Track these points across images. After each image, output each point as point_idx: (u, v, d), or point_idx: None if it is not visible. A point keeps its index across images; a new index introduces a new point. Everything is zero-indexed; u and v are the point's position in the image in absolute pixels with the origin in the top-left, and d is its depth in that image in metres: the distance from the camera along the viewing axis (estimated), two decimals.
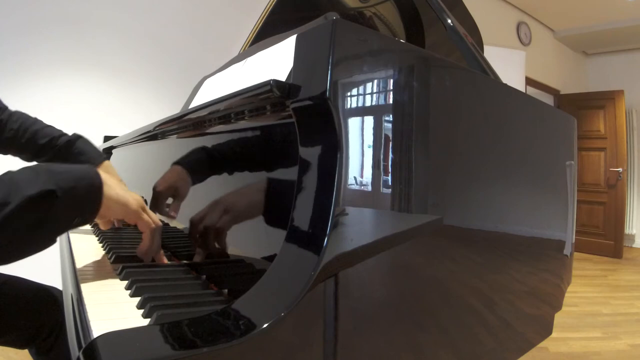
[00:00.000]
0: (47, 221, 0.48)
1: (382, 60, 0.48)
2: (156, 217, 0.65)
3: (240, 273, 0.53)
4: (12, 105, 0.97)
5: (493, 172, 0.66)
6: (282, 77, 0.64)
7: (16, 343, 0.86)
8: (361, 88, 0.45)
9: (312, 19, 0.83)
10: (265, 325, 0.35)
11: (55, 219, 0.49)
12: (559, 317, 0.87)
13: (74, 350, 0.39)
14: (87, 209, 0.54)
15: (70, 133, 0.98)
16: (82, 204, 0.53)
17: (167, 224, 0.83)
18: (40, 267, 1.66)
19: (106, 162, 0.94)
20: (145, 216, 0.62)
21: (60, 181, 0.49)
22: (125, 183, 0.90)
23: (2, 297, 0.83)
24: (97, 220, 0.61)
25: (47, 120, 1.00)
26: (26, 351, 0.90)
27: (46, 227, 0.49)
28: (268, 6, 1.43)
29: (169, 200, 0.80)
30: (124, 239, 0.86)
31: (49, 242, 0.51)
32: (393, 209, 0.47)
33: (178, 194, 0.78)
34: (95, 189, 0.54)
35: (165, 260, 0.67)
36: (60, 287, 0.70)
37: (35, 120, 0.96)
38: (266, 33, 1.32)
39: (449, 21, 1.01)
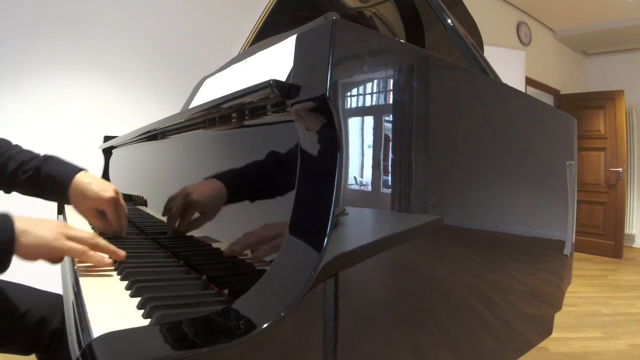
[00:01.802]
0: None
1: (382, 60, 0.48)
2: (85, 237, 0.63)
3: (241, 273, 0.53)
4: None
5: (493, 172, 0.66)
6: (282, 77, 0.64)
7: (17, 351, 0.85)
8: (361, 88, 0.45)
9: (312, 19, 0.83)
10: (265, 325, 0.35)
11: None
12: (559, 317, 0.87)
13: (74, 351, 0.39)
14: None
15: (43, 153, 0.91)
16: None
17: (167, 224, 0.83)
18: (40, 267, 1.66)
19: (78, 176, 0.85)
20: (69, 246, 0.60)
21: None
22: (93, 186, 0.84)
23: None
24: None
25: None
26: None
27: None
28: (268, 6, 1.43)
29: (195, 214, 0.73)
30: (124, 238, 0.86)
31: None
32: (393, 209, 0.47)
33: (205, 211, 0.70)
34: (5, 242, 0.55)
35: (123, 253, 0.65)
36: (59, 290, 0.70)
37: (10, 145, 0.90)
38: (266, 33, 1.32)
39: (449, 21, 1.01)
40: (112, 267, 0.63)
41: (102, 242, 0.64)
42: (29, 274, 1.32)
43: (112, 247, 0.64)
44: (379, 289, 0.46)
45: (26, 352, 0.86)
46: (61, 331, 0.86)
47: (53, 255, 0.60)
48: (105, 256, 0.63)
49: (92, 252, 0.62)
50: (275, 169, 0.53)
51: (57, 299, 0.90)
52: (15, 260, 0.58)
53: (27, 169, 0.87)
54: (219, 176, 0.67)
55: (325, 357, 0.40)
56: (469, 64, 0.97)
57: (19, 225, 0.57)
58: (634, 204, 5.03)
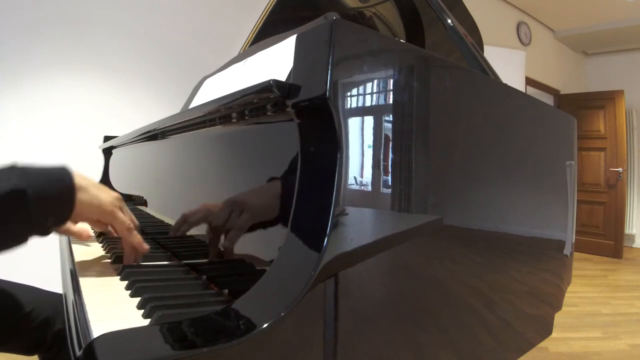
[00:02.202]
0: (16, 220, 0.48)
1: (382, 60, 0.48)
2: (132, 216, 0.63)
3: (241, 273, 0.53)
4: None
5: (493, 172, 0.66)
6: (282, 77, 0.64)
7: (20, 350, 0.85)
8: (361, 88, 0.45)
9: (312, 19, 0.83)
10: (265, 325, 0.35)
11: (26, 218, 0.49)
12: (559, 317, 0.87)
13: (74, 351, 0.39)
14: (60, 210, 0.54)
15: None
16: (54, 205, 0.53)
17: (167, 224, 0.83)
18: (40, 268, 1.67)
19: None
20: (120, 216, 0.61)
21: (33, 181, 0.49)
22: None
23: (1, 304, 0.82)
24: (74, 222, 0.59)
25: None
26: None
27: (15, 226, 0.49)
28: (268, 6, 1.43)
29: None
30: None
31: (19, 241, 0.51)
32: (393, 209, 0.47)
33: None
34: (67, 190, 0.54)
35: (147, 247, 0.65)
36: (60, 289, 0.69)
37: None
38: (266, 33, 1.32)
39: (449, 21, 1.01)
40: (115, 265, 0.63)
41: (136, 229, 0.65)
42: (29, 273, 1.33)
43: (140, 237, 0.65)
44: (379, 289, 0.46)
45: (29, 353, 0.86)
46: (63, 331, 0.86)
47: (102, 219, 0.60)
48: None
49: (135, 232, 0.62)
50: (275, 169, 0.53)
51: (60, 300, 0.89)
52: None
53: None
54: (224, 180, 0.67)
55: (325, 357, 0.40)
56: (469, 64, 0.97)
57: (78, 180, 0.55)
58: (634, 204, 5.03)
